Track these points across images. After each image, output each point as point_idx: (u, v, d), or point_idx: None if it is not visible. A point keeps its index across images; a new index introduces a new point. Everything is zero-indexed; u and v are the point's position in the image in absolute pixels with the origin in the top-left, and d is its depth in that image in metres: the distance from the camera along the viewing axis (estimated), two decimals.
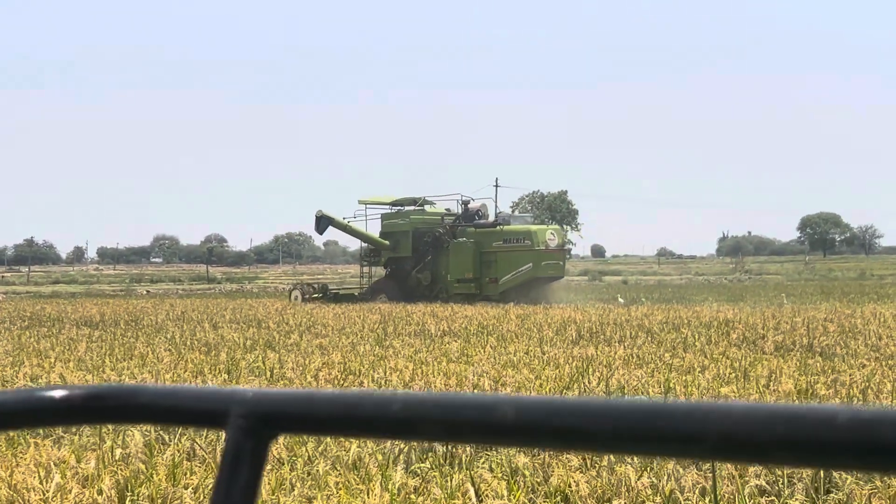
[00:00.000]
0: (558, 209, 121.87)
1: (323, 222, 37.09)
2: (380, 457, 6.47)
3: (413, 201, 37.18)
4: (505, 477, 6.09)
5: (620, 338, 16.08)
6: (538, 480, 6.07)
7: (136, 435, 7.19)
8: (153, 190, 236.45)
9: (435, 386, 9.91)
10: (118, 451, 6.76)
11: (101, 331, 19.43)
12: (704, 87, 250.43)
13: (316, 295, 35.82)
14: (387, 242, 35.95)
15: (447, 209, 36.65)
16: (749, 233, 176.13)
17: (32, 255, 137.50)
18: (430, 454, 6.59)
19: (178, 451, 6.83)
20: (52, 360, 12.93)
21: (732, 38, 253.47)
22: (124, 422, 0.91)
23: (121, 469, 6.40)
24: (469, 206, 35.67)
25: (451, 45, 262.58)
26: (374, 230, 37.06)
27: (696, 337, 15.78)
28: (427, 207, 36.96)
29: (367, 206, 37.24)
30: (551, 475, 6.07)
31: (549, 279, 33.85)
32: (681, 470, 5.97)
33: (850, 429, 0.56)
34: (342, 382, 10.26)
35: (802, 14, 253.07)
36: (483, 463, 6.39)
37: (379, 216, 37.18)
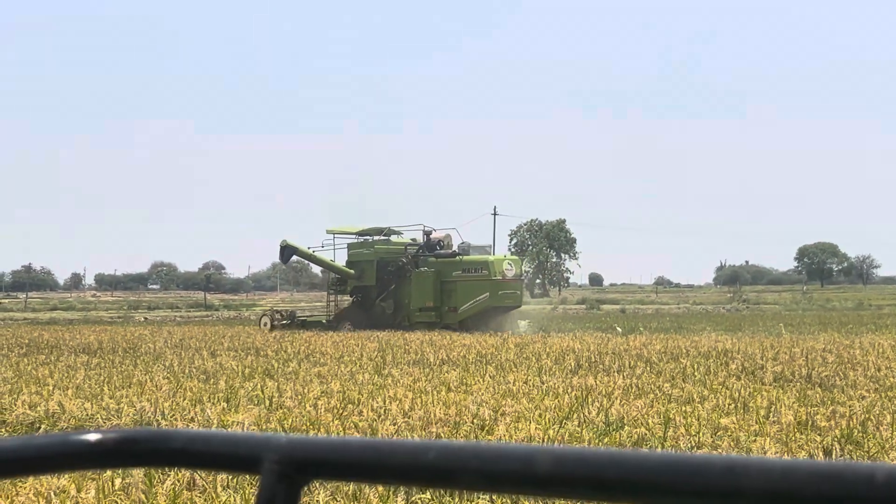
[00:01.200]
0: (556, 237, 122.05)
1: (287, 252, 38.38)
2: (380, 488, 6.45)
3: (379, 231, 37.91)
4: None
5: (619, 367, 16.06)
6: None
7: None
8: (151, 217, 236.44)
9: (434, 415, 9.90)
10: (118, 481, 6.74)
11: (99, 358, 19.40)
12: (703, 116, 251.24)
13: (284, 321, 36.87)
14: (352, 271, 36.82)
15: (413, 239, 37.41)
16: (747, 262, 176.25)
17: (30, 281, 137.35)
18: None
19: (178, 481, 6.81)
20: (51, 388, 12.91)
21: (731, 72, 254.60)
22: (157, 465, 0.93)
23: (121, 499, 6.39)
24: (431, 236, 36.47)
25: (447, 70, 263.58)
26: (343, 259, 38.02)
27: (696, 367, 15.77)
28: (393, 237, 37.74)
29: (335, 235, 38.12)
30: None
31: (507, 308, 34.55)
32: None
33: (887, 486, 0.57)
34: (342, 411, 10.24)
35: (802, 51, 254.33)
36: (484, 495, 6.38)
37: (345, 245, 38.12)
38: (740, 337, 25.79)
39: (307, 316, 39.76)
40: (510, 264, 35.01)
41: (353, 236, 38.16)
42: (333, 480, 0.77)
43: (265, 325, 36.52)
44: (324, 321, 37.20)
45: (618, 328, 34.21)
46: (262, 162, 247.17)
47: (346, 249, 37.76)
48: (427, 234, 36.71)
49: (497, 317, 33.92)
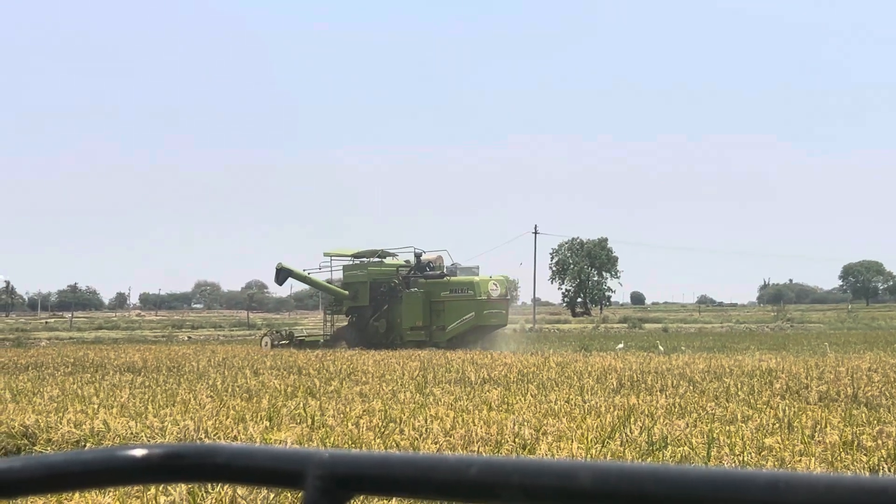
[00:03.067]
0: (598, 256, 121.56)
1: (282, 274, 40.06)
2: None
3: (373, 253, 39.38)
4: None
5: (662, 387, 15.95)
6: None
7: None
8: (195, 236, 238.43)
9: (475, 434, 9.87)
10: (162, 499, 6.79)
11: (143, 377, 19.55)
12: (746, 133, 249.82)
13: (283, 341, 38.42)
14: (346, 292, 38.44)
15: (406, 260, 38.77)
16: (790, 280, 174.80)
17: (76, 300, 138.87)
18: None
19: (220, 500, 6.84)
20: (96, 406, 13.02)
21: (771, 85, 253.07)
22: (202, 480, 0.93)
23: None
24: (422, 257, 37.81)
25: (490, 88, 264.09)
26: (339, 280, 39.89)
27: (739, 386, 15.63)
28: (388, 259, 39.17)
29: (332, 257, 39.79)
30: None
31: (493, 327, 35.96)
32: None
33: None
34: (383, 430, 10.24)
35: (846, 69, 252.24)
36: None
37: (341, 267, 39.82)
38: (784, 356, 25.53)
39: (305, 336, 41.36)
40: (495, 284, 36.09)
41: (349, 258, 39.59)
42: (375, 495, 0.77)
43: (266, 344, 38.06)
44: (321, 340, 38.48)
45: (660, 346, 34.03)
46: (305, 179, 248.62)
47: (342, 271, 39.34)
48: (418, 255, 38.02)
49: (484, 335, 35.33)
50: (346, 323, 38.84)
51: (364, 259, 39.15)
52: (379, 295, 37.34)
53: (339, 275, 39.75)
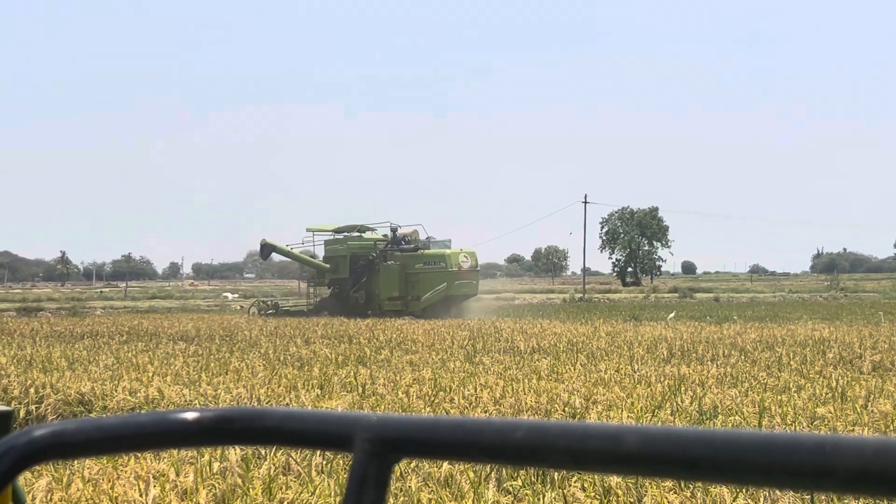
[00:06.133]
0: (648, 225, 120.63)
1: (266, 249, 42.18)
2: (472, 474, 6.47)
3: (353, 228, 41.75)
4: (598, 496, 6.06)
5: (713, 356, 15.86)
6: (631, 500, 6.02)
7: (234, 448, 7.29)
8: (247, 206, 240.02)
9: (525, 403, 9.89)
10: (216, 465, 6.87)
11: (196, 346, 19.77)
12: (798, 101, 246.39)
13: (270, 311, 40.56)
14: (327, 266, 40.69)
15: (385, 235, 40.79)
16: (844, 249, 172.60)
17: (130, 270, 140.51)
18: (521, 472, 6.58)
19: (274, 466, 6.92)
20: (150, 375, 13.20)
21: (826, 56, 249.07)
22: (252, 443, 0.95)
23: (218, 483, 6.51)
24: (398, 232, 39.80)
25: (540, 56, 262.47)
26: (321, 254, 42.14)
27: (791, 356, 15.50)
28: (367, 234, 41.40)
29: (315, 233, 42.08)
30: (644, 495, 6.02)
31: (464, 297, 38.20)
32: (777, 492, 5.88)
33: None
34: (433, 399, 10.29)
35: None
36: (575, 482, 6.36)
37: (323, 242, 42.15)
38: (838, 326, 25.27)
39: (291, 306, 43.51)
40: (466, 257, 38.19)
41: (331, 233, 41.73)
42: (423, 459, 0.78)
43: (254, 313, 40.70)
44: (305, 310, 40.41)
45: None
46: (354, 147, 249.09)
47: (324, 245, 41.50)
48: (394, 230, 40.09)
49: (456, 305, 37.44)
50: (328, 294, 41.17)
51: (353, 233, 41.44)
52: (358, 268, 39.47)
53: (321, 249, 42.07)
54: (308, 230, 42.11)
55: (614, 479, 6.16)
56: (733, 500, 5.83)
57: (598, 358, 15.75)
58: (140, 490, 6.32)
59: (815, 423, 8.70)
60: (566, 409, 9.55)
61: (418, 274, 37.85)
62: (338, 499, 6.02)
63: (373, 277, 39.03)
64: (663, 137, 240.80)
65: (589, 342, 19.15)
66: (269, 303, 42.94)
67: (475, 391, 10.81)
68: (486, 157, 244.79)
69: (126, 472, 6.74)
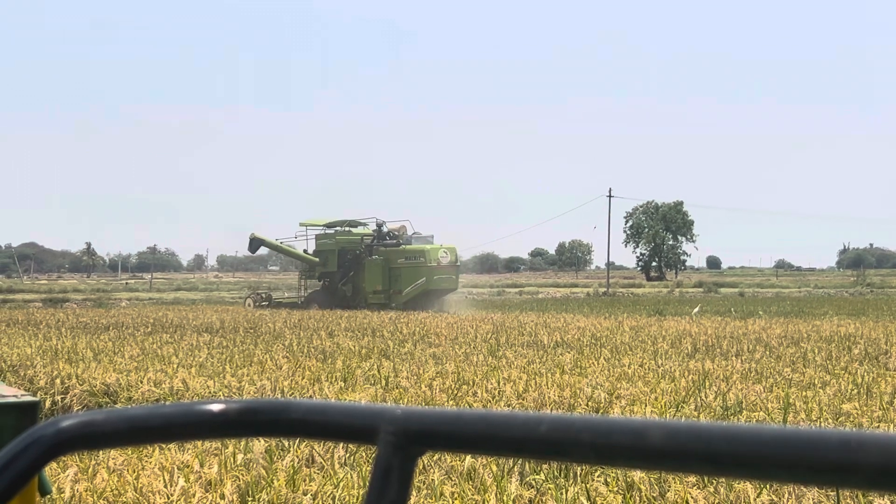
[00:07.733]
0: (673, 219, 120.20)
1: (255, 243, 43.16)
2: (494, 468, 6.47)
3: (344, 223, 42.80)
4: (621, 491, 6.05)
5: (737, 352, 15.80)
6: (654, 495, 6.01)
7: (258, 440, 7.32)
8: (273, 199, 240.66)
9: (548, 397, 9.89)
10: (240, 457, 6.91)
11: (221, 337, 19.85)
12: (825, 97, 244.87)
13: (264, 303, 41.64)
14: (317, 259, 41.88)
15: (373, 229, 41.95)
16: (871, 245, 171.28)
17: (155, 262, 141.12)
18: (544, 466, 6.57)
19: (298, 458, 6.95)
20: (175, 366, 13.27)
21: (849, 48, 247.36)
22: (277, 435, 0.95)
23: (242, 474, 6.54)
24: (383, 227, 41.14)
25: (566, 48, 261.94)
26: (312, 248, 43.25)
27: (817, 352, 15.42)
28: (357, 229, 42.50)
29: (307, 227, 43.29)
30: (668, 490, 6.01)
31: (443, 291, 39.41)
32: (802, 488, 5.85)
33: None
34: (456, 392, 10.30)
35: None
36: (598, 476, 6.35)
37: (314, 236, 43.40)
38: (864, 321, 25.12)
39: (283, 298, 44.92)
40: (445, 252, 39.39)
41: (322, 228, 42.89)
42: (447, 451, 0.78)
43: (248, 305, 41.68)
44: (298, 302, 41.69)
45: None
46: (371, 141, 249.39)
47: (315, 240, 42.65)
48: (379, 225, 41.41)
49: (436, 298, 38.64)
50: (319, 287, 42.29)
51: (345, 227, 42.44)
52: (346, 262, 40.85)
53: (313, 244, 43.14)
54: (301, 224, 43.52)
55: (637, 474, 6.15)
56: (757, 496, 5.80)
57: (621, 352, 15.72)
58: (165, 481, 6.36)
59: (840, 419, 8.65)
60: (589, 403, 9.53)
61: (400, 268, 39.12)
62: (361, 491, 6.04)
63: (359, 271, 40.41)
64: (689, 131, 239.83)
65: (613, 336, 19.11)
66: (264, 295, 43.93)
67: (498, 385, 10.81)
68: (511, 150, 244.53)
69: (151, 462, 6.79)
